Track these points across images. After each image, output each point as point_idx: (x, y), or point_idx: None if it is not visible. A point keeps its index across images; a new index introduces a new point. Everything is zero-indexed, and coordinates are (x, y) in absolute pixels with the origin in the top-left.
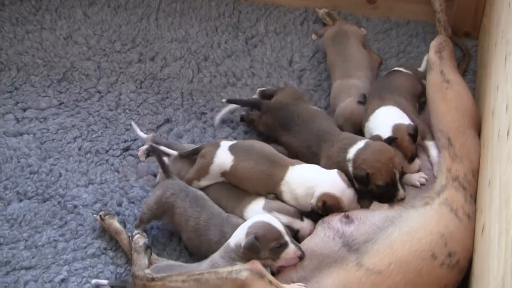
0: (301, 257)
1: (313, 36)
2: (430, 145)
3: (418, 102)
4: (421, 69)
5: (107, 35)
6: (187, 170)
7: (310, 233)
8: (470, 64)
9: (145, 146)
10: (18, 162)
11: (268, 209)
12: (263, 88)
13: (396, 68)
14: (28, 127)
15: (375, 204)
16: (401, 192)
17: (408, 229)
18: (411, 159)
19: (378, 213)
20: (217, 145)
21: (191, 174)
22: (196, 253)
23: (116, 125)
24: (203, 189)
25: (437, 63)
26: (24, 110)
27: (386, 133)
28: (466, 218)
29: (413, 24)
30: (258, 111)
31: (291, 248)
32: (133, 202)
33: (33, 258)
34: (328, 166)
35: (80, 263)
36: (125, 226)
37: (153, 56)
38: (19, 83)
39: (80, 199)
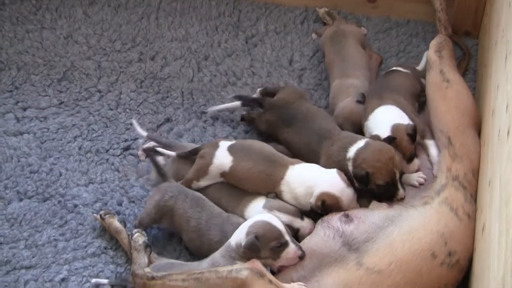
0: (302, 257)
1: (313, 35)
2: (430, 144)
3: (418, 102)
4: (420, 67)
5: (108, 34)
6: (186, 170)
7: (310, 232)
8: (471, 63)
9: (145, 146)
10: (19, 161)
11: (268, 208)
12: (265, 86)
13: (394, 68)
14: (28, 127)
15: (374, 203)
16: (401, 192)
17: (408, 228)
18: (410, 159)
19: (377, 212)
20: (216, 146)
21: (190, 175)
22: (197, 254)
23: (116, 124)
24: (203, 188)
25: (437, 63)
26: (24, 109)
27: (385, 132)
28: (466, 217)
29: (413, 24)
30: (260, 108)
31: (292, 248)
32: (133, 202)
33: (33, 257)
34: (327, 165)
35: (80, 262)
36: (125, 225)
37: (154, 56)
38: (19, 83)
39: (80, 198)
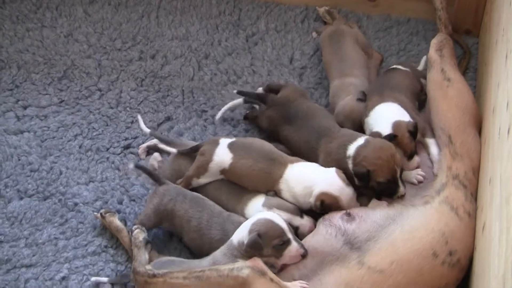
0: (304, 255)
1: (314, 34)
2: (431, 142)
3: (418, 101)
4: (420, 68)
5: (108, 33)
6: (187, 167)
7: (310, 230)
8: (471, 62)
9: (146, 144)
10: (19, 160)
11: (268, 206)
12: (268, 83)
13: (395, 66)
14: (28, 125)
15: (374, 201)
16: (401, 189)
17: (409, 227)
18: (410, 156)
19: (379, 211)
20: (216, 143)
21: (191, 172)
22: (198, 253)
23: (116, 123)
24: (203, 186)
25: (438, 61)
26: (25, 108)
27: (386, 129)
28: (466, 216)
29: (414, 22)
30: (264, 104)
31: (294, 246)
32: (133, 200)
33: (33, 256)
34: (326, 163)
35: (80, 261)
36: (125, 224)
37: (154, 54)
38: (19, 81)
39: (80, 197)
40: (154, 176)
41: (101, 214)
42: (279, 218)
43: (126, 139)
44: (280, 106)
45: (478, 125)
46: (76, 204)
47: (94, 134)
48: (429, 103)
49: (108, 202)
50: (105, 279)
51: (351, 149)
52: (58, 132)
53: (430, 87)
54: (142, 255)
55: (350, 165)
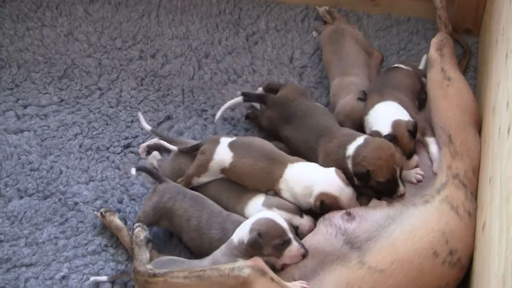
0: (304, 255)
1: (314, 33)
2: (430, 141)
3: (418, 100)
4: (421, 67)
5: (108, 32)
6: (188, 165)
7: (309, 230)
8: (471, 61)
9: (146, 143)
10: (19, 159)
11: (267, 206)
12: (268, 82)
13: (396, 65)
14: (28, 124)
15: (374, 201)
16: (401, 188)
17: (410, 227)
18: (409, 155)
19: (379, 211)
20: (216, 142)
21: (191, 171)
22: (197, 253)
23: (116, 122)
24: (203, 185)
25: (438, 61)
26: (25, 107)
27: (385, 128)
28: (466, 215)
29: (414, 21)
30: (264, 105)
31: (295, 246)
32: (133, 199)
33: (33, 255)
34: (326, 163)
35: (80, 260)
36: (125, 223)
37: (154, 53)
38: (19, 80)
39: (80, 196)
40: (154, 174)
41: (101, 213)
42: (280, 218)
43: (126, 138)
44: (279, 106)
45: (478, 125)
46: (76, 203)
47: (94, 133)
48: (429, 102)
49: (108, 201)
50: (104, 278)
51: (351, 149)
52: (58, 131)
53: (430, 86)
54: (143, 254)
55: (350, 165)
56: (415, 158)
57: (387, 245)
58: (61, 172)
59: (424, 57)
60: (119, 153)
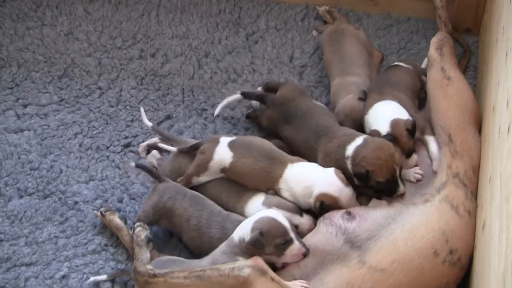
0: (305, 254)
1: (314, 33)
2: (430, 140)
3: (418, 98)
4: (423, 66)
5: (108, 31)
6: (188, 165)
7: (309, 229)
8: (471, 60)
9: (146, 142)
10: (19, 158)
11: (267, 205)
12: (267, 81)
13: (396, 63)
14: (28, 124)
15: (374, 201)
16: (401, 188)
17: (410, 226)
18: (408, 154)
19: (379, 210)
20: (216, 141)
21: (191, 170)
22: (197, 252)
23: (116, 121)
24: (203, 184)
25: (438, 60)
26: (25, 106)
27: (384, 127)
28: (466, 215)
29: (414, 21)
30: (263, 104)
31: (296, 245)
32: (134, 199)
33: (33, 254)
34: (325, 163)
35: (80, 260)
36: (125, 222)
37: (154, 53)
38: (19, 80)
39: (80, 195)
40: (154, 174)
41: (101, 212)
42: (282, 217)
43: (126, 137)
44: (279, 105)
45: (478, 124)
46: (76, 202)
47: (94, 132)
48: (429, 101)
49: (108, 200)
50: (104, 277)
51: (350, 150)
52: (58, 131)
53: (430, 85)
54: (143, 254)
55: (349, 166)
56: (414, 157)
57: (388, 244)
58: (61, 171)
59: (426, 59)
60: (119, 152)
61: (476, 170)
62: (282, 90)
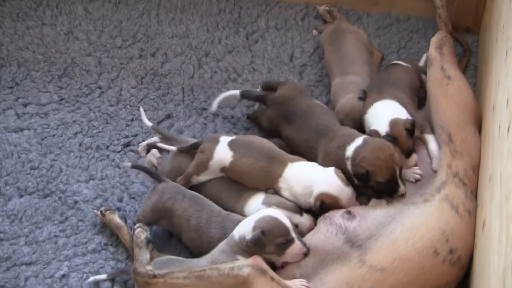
0: (306, 254)
1: (314, 32)
2: (429, 138)
3: (417, 97)
4: (420, 64)
5: (108, 30)
6: (187, 164)
7: (309, 228)
8: (471, 60)
9: (146, 142)
10: (19, 157)
11: (267, 204)
12: (266, 81)
13: (395, 62)
14: (28, 123)
15: (374, 200)
16: (401, 188)
17: (410, 225)
18: (408, 154)
19: (379, 209)
20: (216, 141)
21: (191, 169)
22: (197, 253)
23: (116, 120)
24: (203, 183)
25: (438, 59)
26: (25, 105)
27: (383, 127)
28: (466, 214)
29: (414, 20)
30: (263, 104)
31: (297, 245)
32: (133, 198)
33: (33, 253)
34: (325, 163)
35: (80, 259)
36: (126, 222)
37: (154, 52)
38: (19, 79)
39: (80, 194)
40: (153, 174)
41: (101, 211)
42: (283, 216)
43: (126, 137)
44: (279, 105)
45: (478, 123)
46: (76, 202)
47: (94, 132)
48: (429, 101)
49: (108, 199)
50: (104, 276)
51: (350, 150)
52: (58, 130)
53: (430, 85)
54: (143, 255)
55: (349, 166)
56: (414, 156)
57: (388, 244)
58: (61, 171)
59: (424, 56)
60: (119, 151)
61: (476, 169)
62: (282, 90)
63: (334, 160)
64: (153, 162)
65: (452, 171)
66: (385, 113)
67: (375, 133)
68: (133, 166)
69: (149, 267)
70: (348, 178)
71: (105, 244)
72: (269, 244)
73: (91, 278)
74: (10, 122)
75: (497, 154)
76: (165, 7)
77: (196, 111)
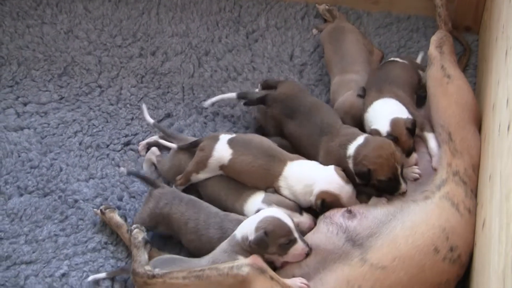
0: (308, 254)
1: (314, 31)
2: (429, 136)
3: (416, 94)
4: (417, 61)
5: (108, 29)
6: (187, 162)
7: (309, 227)
8: (471, 59)
9: (146, 141)
10: (19, 156)
11: (267, 203)
12: (265, 79)
13: (392, 59)
14: (28, 122)
15: (374, 199)
16: (403, 186)
17: (411, 223)
18: (408, 153)
19: (379, 208)
20: (216, 139)
21: (190, 167)
22: (197, 255)
23: (116, 119)
24: (202, 182)
25: (438, 58)
26: (25, 104)
27: (384, 126)
28: (467, 212)
29: (414, 19)
30: (264, 105)
31: (300, 245)
32: (133, 197)
33: (33, 252)
34: (326, 161)
35: (80, 258)
36: (126, 220)
37: (154, 51)
38: (19, 78)
39: (80, 193)
40: (148, 180)
41: (101, 210)
42: (286, 216)
43: (126, 135)
44: (280, 102)
45: (478, 122)
46: (76, 200)
47: (94, 130)
48: (429, 99)
49: (108, 198)
50: (103, 275)
51: (351, 149)
52: (58, 129)
53: (430, 83)
54: (141, 256)
55: (351, 165)
56: (414, 155)
57: (388, 242)
58: (61, 170)
59: (421, 54)
60: (119, 150)
61: (476, 168)
62: (282, 87)
63: (335, 158)
64: (152, 160)
65: (452, 170)
66: (385, 112)
67: (376, 133)
68: (129, 173)
69: (147, 267)
70: (349, 176)
71: (105, 243)
72: (272, 245)
73: (91, 277)
74: (10, 121)
75: (497, 153)
76: (165, 6)
77: (196, 110)
